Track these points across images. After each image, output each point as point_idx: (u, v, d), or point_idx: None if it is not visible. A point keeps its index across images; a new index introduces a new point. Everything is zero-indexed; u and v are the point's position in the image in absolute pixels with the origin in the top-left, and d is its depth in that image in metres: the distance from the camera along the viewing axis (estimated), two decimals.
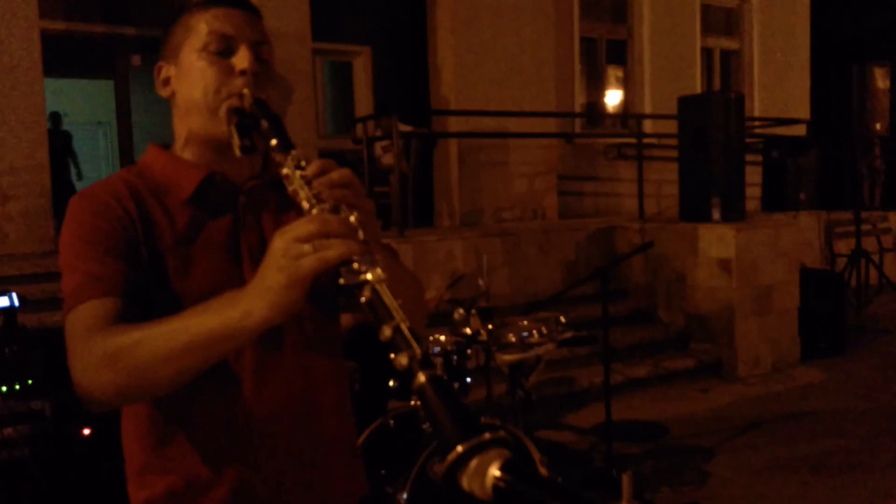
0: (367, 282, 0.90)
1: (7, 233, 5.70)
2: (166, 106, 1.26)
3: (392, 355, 0.85)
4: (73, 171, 9.43)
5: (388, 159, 6.99)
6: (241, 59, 1.16)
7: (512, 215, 7.98)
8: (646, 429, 4.73)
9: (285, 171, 1.02)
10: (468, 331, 2.81)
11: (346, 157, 7.64)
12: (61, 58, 6.85)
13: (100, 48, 7.67)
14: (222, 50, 1.16)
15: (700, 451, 4.32)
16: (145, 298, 1.09)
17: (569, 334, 3.14)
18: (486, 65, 7.83)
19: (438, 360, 2.68)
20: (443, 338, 2.76)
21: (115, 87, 8.05)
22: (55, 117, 9.15)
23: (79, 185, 8.87)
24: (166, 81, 1.22)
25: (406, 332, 0.87)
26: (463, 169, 7.74)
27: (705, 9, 10.30)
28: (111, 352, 1.00)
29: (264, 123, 1.09)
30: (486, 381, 3.17)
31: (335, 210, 0.97)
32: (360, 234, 0.95)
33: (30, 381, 3.28)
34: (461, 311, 2.72)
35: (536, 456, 2.65)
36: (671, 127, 7.14)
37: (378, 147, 7.22)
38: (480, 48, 7.82)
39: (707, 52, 10.49)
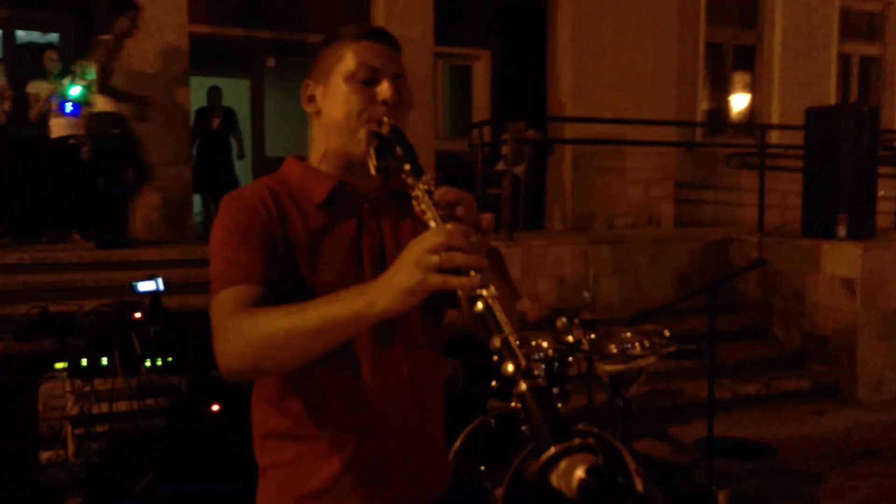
0: (482, 297, 1.03)
1: (153, 220, 6.26)
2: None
3: (496, 360, 0.98)
4: (234, 150, 8.35)
5: (505, 163, 7.10)
6: (384, 90, 1.31)
7: (625, 222, 7.91)
8: (752, 448, 4.63)
9: (416, 192, 1.17)
10: (570, 339, 2.89)
11: (462, 159, 7.82)
12: (204, 58, 7.38)
13: (238, 50, 8.22)
14: (368, 79, 1.31)
15: (809, 475, 4.19)
16: (280, 287, 1.25)
17: (672, 348, 3.15)
18: (606, 70, 7.80)
19: (540, 366, 2.78)
20: (545, 344, 2.86)
21: (250, 86, 8.60)
22: (215, 92, 8.24)
23: (239, 166, 8.51)
24: (312, 98, 1.38)
25: (513, 344, 1.00)
26: (577, 173, 7.74)
27: (844, 13, 9.76)
28: (250, 330, 1.16)
29: (399, 150, 1.25)
30: (587, 388, 3.24)
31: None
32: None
33: (169, 359, 3.63)
34: (563, 319, 2.81)
35: (632, 466, 2.70)
36: (801, 136, 6.87)
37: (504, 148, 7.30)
38: (600, 53, 7.79)
39: (844, 59, 9.96)
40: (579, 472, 0.85)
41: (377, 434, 1.32)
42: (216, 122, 8.23)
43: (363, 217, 1.35)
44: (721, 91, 9.45)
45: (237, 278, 1.22)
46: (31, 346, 3.85)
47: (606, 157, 7.78)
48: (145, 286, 3.73)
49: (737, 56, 9.42)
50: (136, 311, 3.70)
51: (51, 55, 6.41)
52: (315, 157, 1.40)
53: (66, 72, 6.41)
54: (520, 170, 7.38)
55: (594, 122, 7.33)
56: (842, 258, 5.74)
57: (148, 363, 3.58)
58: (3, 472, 3.42)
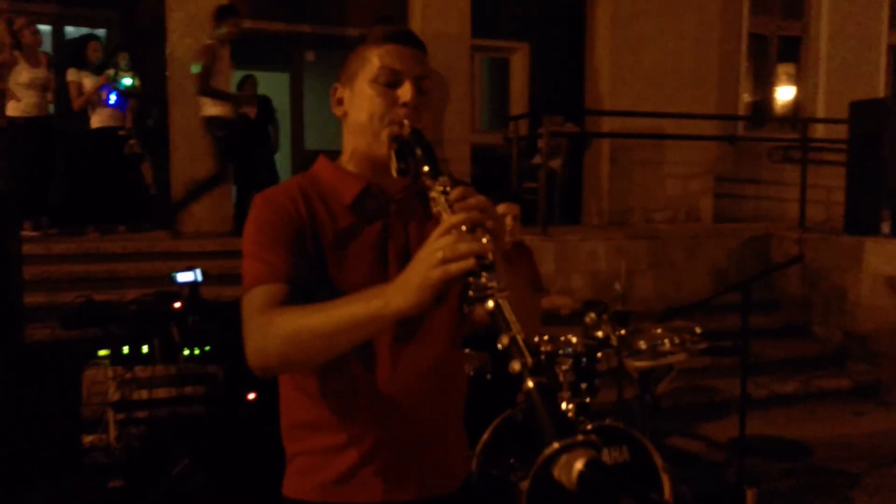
0: (491, 295, 1.06)
1: (194, 212, 6.39)
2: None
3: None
4: (272, 140, 8.05)
5: (541, 157, 7.08)
6: (405, 93, 1.34)
7: (663, 216, 7.81)
8: (787, 447, 4.57)
9: (433, 194, 1.20)
10: (599, 334, 2.89)
11: (498, 153, 7.82)
12: (245, 52, 7.48)
13: (279, 44, 8.32)
14: (390, 82, 1.35)
15: (844, 476, 4.12)
16: (307, 285, 1.29)
17: (703, 345, 3.13)
18: (645, 63, 7.70)
19: (568, 361, 2.79)
20: (574, 339, 2.86)
21: (290, 79, 8.71)
22: (249, 81, 7.69)
23: (278, 159, 8.32)
24: (340, 101, 1.43)
25: (521, 342, 1.02)
26: (614, 167, 7.68)
27: (895, 2, 9.48)
28: (277, 328, 1.21)
29: (419, 151, 1.28)
30: (617, 384, 3.24)
31: (471, 229, 1.13)
32: (490, 255, 1.09)
33: (207, 348, 3.73)
34: (593, 315, 2.81)
35: (659, 462, 2.70)
36: (846, 130, 6.71)
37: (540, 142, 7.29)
38: (639, 46, 7.69)
39: (894, 50, 9.68)
40: (578, 465, 0.87)
41: (397, 427, 1.36)
42: (253, 112, 8.28)
43: (389, 218, 1.38)
44: (764, 83, 9.26)
45: (267, 277, 1.27)
46: (77, 334, 3.99)
47: (645, 150, 7.69)
48: (184, 277, 3.83)
49: (781, 47, 9.22)
50: (176, 301, 3.81)
51: (95, 46, 6.58)
52: (344, 157, 1.44)
53: (109, 63, 6.57)
54: (556, 163, 7.35)
55: (632, 116, 7.25)
56: (885, 255, 5.60)
57: (186, 352, 3.69)
58: (48, 454, 3.56)
